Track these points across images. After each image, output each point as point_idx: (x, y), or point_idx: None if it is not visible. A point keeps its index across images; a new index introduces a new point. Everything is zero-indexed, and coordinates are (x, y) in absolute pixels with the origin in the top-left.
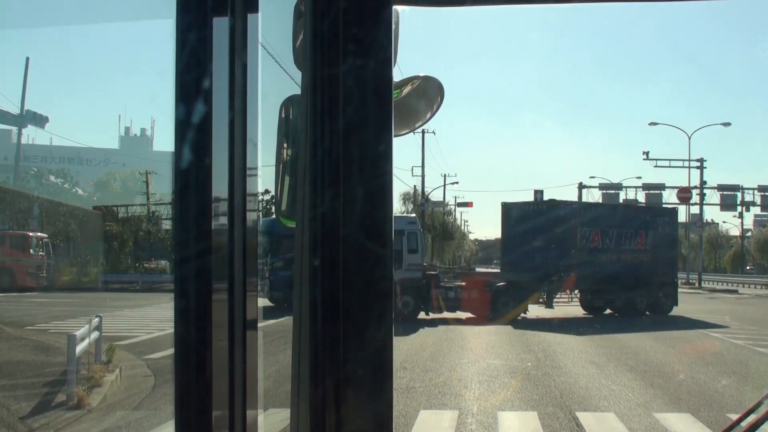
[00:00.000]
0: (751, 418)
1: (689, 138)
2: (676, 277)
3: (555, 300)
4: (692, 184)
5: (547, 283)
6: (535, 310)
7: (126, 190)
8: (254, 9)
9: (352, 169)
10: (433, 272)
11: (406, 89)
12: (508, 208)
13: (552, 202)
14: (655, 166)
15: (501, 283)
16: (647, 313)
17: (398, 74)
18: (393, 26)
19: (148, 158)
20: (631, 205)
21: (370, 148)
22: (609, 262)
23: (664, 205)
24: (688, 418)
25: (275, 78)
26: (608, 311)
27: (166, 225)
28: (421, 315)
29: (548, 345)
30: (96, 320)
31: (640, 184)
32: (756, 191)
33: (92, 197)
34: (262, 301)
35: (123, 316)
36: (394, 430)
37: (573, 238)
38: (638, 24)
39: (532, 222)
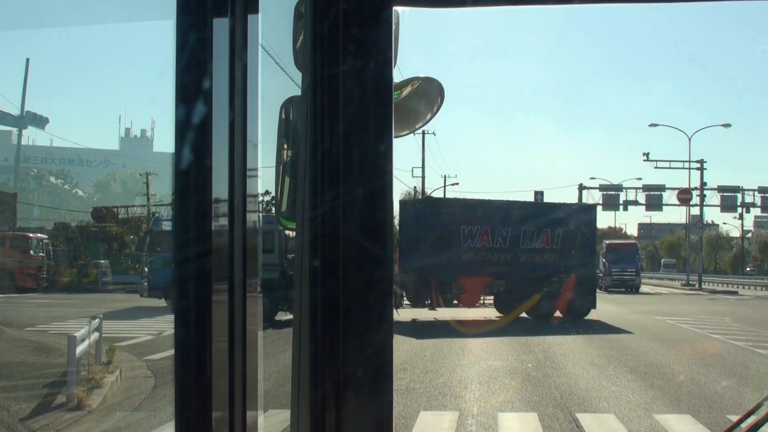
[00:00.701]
0: (752, 419)
1: (689, 139)
2: (594, 279)
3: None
4: (692, 186)
5: (422, 284)
6: (415, 313)
7: (126, 191)
8: (254, 10)
9: (353, 170)
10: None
11: (407, 90)
12: (400, 207)
13: (431, 199)
14: (656, 167)
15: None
16: (558, 315)
17: (398, 75)
18: (393, 27)
19: (148, 159)
20: (538, 202)
21: (371, 149)
22: (501, 261)
23: (582, 203)
24: (688, 420)
25: (275, 79)
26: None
27: (167, 226)
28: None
29: (548, 346)
30: (96, 321)
31: (641, 185)
32: (756, 192)
33: (92, 198)
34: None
35: (123, 316)
36: (394, 431)
37: (457, 237)
38: (638, 24)
39: (417, 221)
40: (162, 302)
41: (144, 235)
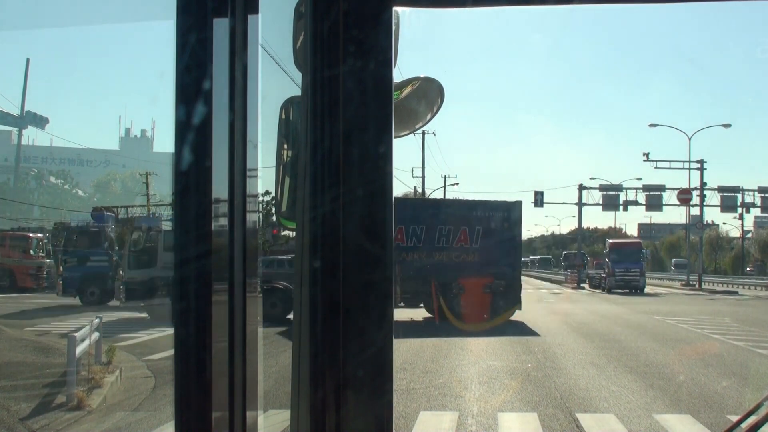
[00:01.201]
0: (751, 419)
1: (689, 139)
2: (519, 278)
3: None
4: (692, 186)
5: None
6: None
7: (126, 192)
8: (254, 10)
9: (353, 170)
10: None
11: (407, 91)
12: None
13: None
14: (656, 168)
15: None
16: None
17: (398, 75)
18: (393, 27)
19: (149, 159)
20: (458, 199)
21: (371, 149)
22: (416, 261)
23: (506, 200)
24: (688, 420)
25: (275, 79)
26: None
27: (167, 226)
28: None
29: (548, 346)
30: (96, 321)
31: (641, 186)
32: (756, 193)
33: (92, 198)
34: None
35: (123, 317)
36: (394, 431)
37: None
38: (638, 24)
39: None
40: (77, 301)
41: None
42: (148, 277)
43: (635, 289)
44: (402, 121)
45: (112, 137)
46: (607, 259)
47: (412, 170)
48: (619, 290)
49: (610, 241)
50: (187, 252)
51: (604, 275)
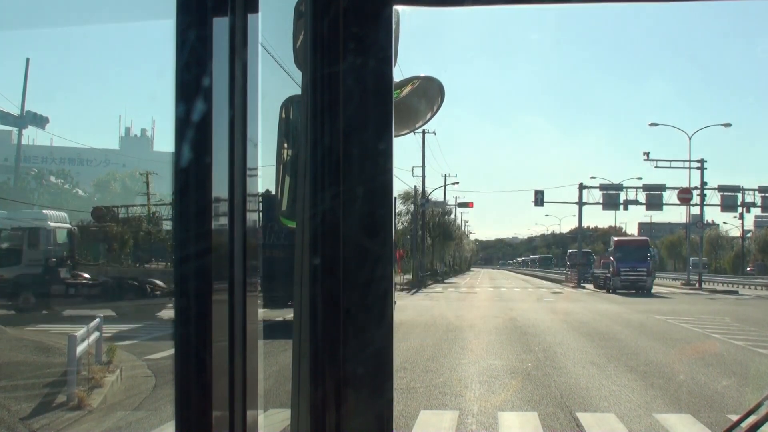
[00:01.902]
0: (752, 419)
1: (690, 139)
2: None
3: None
4: (693, 185)
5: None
6: None
7: (126, 191)
8: (254, 9)
9: (353, 168)
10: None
11: (407, 89)
12: None
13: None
14: (656, 167)
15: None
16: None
17: (398, 74)
18: (393, 26)
19: (149, 159)
20: None
21: (371, 147)
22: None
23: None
24: (689, 419)
25: (275, 78)
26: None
27: (167, 225)
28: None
29: (548, 345)
30: (96, 321)
31: (641, 185)
32: (756, 192)
33: (92, 198)
34: None
35: (123, 316)
36: (394, 430)
37: None
38: (638, 24)
39: None
40: None
41: None
42: (14, 274)
43: (641, 289)
44: (402, 120)
45: (112, 137)
46: (612, 258)
47: (413, 169)
48: (625, 291)
49: (616, 238)
50: (187, 250)
51: (609, 275)
